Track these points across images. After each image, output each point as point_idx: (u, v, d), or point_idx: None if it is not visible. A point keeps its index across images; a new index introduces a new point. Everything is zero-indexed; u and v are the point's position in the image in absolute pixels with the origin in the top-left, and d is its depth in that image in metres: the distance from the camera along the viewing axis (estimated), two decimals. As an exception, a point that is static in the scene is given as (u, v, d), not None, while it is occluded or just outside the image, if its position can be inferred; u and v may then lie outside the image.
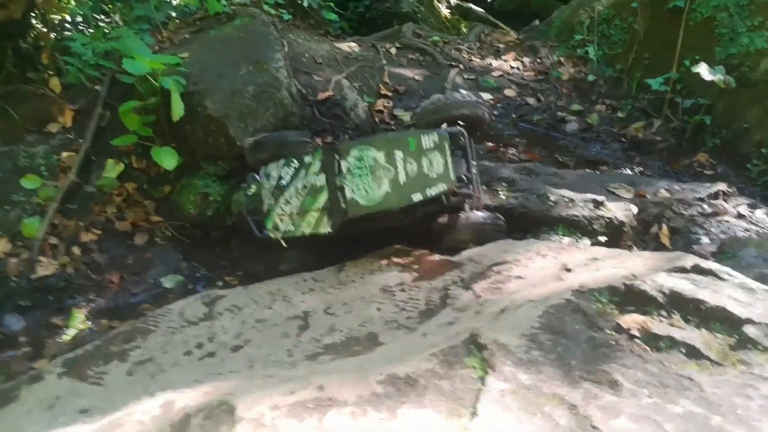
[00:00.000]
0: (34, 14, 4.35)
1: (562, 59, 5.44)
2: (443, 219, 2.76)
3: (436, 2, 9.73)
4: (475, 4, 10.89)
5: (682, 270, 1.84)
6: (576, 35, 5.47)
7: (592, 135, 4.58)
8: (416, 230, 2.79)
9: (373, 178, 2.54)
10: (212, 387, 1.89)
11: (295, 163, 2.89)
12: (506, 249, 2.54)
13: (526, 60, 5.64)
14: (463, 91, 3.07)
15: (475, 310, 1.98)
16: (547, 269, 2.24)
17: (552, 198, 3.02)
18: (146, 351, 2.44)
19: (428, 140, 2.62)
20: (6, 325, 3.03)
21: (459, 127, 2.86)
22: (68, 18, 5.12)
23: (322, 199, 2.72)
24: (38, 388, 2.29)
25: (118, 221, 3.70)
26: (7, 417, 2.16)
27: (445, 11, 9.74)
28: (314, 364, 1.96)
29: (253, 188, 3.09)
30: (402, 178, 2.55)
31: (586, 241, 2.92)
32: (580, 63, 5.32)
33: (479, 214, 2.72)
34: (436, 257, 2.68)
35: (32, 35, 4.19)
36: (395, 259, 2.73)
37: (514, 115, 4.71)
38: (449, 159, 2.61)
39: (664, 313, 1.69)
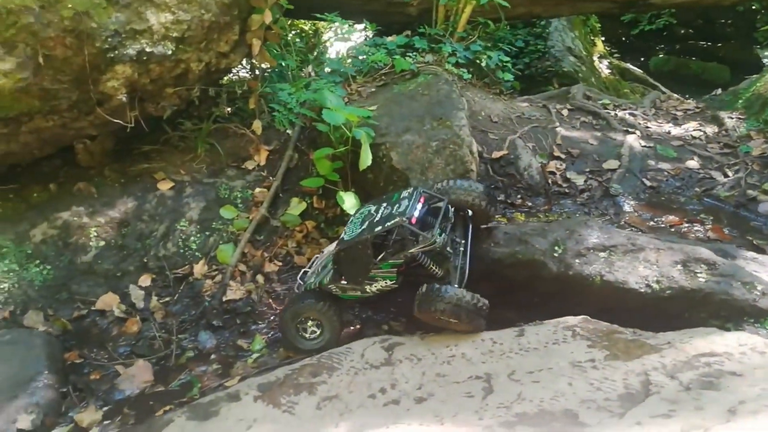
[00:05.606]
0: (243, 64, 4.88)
1: (752, 133, 5.04)
2: (422, 288, 2.83)
3: (597, 62, 9.54)
4: (631, 64, 10.56)
5: None
6: (770, 109, 5.07)
7: (789, 218, 4.15)
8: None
9: (360, 224, 3.09)
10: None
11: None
12: (713, 339, 2.35)
13: (708, 130, 5.30)
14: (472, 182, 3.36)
15: (693, 405, 1.84)
16: (768, 369, 2.04)
17: (759, 287, 2.77)
18: (332, 387, 2.55)
19: (406, 192, 3.15)
20: (200, 341, 3.31)
21: (446, 203, 3.12)
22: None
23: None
24: (236, 409, 2.46)
25: (297, 255, 3.95)
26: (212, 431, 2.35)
27: (605, 71, 9.53)
28: (511, 433, 1.93)
29: None
30: (376, 219, 3.02)
31: (801, 340, 2.62)
32: (774, 138, 4.90)
33: (460, 291, 2.74)
34: (629, 335, 2.55)
35: (242, 82, 4.70)
36: (581, 332, 2.64)
37: (697, 189, 4.41)
38: (414, 204, 2.97)
39: None
